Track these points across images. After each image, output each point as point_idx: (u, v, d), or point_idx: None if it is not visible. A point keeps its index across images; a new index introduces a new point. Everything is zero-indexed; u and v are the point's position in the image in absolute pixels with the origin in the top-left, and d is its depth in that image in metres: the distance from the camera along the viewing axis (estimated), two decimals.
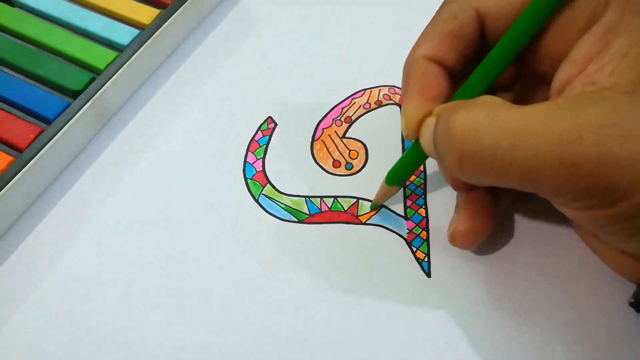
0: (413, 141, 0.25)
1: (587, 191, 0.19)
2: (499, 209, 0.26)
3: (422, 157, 0.25)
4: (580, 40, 0.21)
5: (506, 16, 0.23)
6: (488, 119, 0.20)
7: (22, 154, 0.28)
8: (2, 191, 0.27)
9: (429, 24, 0.24)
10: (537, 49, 0.23)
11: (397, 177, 0.27)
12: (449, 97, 0.24)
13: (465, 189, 0.26)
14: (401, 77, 0.25)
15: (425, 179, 0.29)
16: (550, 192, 0.20)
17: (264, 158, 0.30)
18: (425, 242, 0.27)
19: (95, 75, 0.31)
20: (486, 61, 0.23)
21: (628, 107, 0.19)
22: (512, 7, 0.23)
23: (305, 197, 0.29)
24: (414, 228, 0.28)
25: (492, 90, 0.26)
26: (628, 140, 0.18)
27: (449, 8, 0.24)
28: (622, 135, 0.18)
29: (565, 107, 0.19)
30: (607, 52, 0.20)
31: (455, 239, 0.26)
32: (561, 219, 0.27)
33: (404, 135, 0.24)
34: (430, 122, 0.23)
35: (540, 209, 0.27)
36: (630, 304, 0.24)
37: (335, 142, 0.31)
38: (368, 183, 0.28)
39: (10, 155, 0.28)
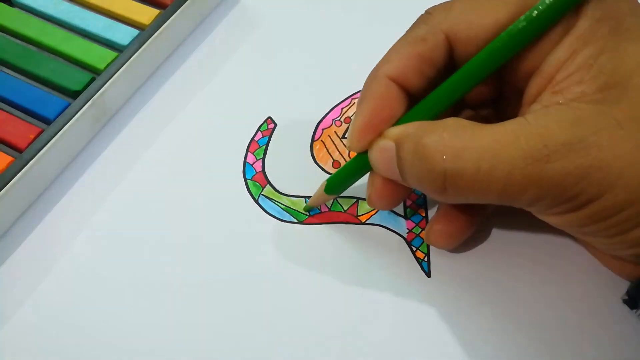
0: (356, 153, 0.25)
1: (557, 200, 0.20)
2: (485, 211, 0.27)
3: (365, 170, 0.25)
4: (552, 52, 0.21)
5: (475, 42, 0.22)
6: (465, 144, 0.21)
7: (22, 154, 0.28)
8: (2, 191, 0.27)
9: (397, 42, 0.24)
10: (514, 66, 0.23)
11: (337, 188, 0.27)
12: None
13: (386, 207, 0.26)
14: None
15: None
16: (525, 204, 0.21)
17: (263, 159, 0.30)
18: (425, 242, 0.27)
19: (95, 76, 0.31)
20: (447, 83, 0.23)
21: (593, 118, 0.20)
22: (483, 33, 0.22)
23: (305, 197, 0.29)
24: (413, 228, 0.28)
25: (464, 106, 0.26)
26: (591, 151, 0.19)
27: (419, 29, 0.23)
28: (586, 148, 0.19)
29: (533, 124, 0.20)
30: (575, 60, 0.21)
31: (429, 237, 0.26)
32: None
33: (347, 147, 0.24)
34: (386, 145, 0.23)
35: None
36: (624, 301, 0.24)
37: (335, 142, 0.31)
38: None
39: (10, 155, 0.28)
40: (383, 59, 0.24)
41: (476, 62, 0.22)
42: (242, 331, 0.25)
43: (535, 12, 0.21)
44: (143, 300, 0.26)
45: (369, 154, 0.24)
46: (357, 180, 0.26)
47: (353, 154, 0.30)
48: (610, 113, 0.20)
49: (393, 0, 0.36)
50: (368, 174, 0.25)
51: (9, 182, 0.27)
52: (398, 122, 0.23)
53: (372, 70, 0.24)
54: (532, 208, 0.22)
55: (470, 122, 0.21)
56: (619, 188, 0.19)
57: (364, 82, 0.24)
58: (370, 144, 0.24)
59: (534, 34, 0.21)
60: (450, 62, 0.24)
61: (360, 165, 0.25)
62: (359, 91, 0.32)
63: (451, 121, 0.22)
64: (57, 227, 0.29)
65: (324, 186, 0.27)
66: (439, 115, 0.23)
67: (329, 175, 0.30)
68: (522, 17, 0.21)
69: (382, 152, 0.23)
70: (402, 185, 0.24)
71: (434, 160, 0.21)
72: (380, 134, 0.23)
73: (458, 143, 0.21)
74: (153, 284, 0.27)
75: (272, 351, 0.25)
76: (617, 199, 0.20)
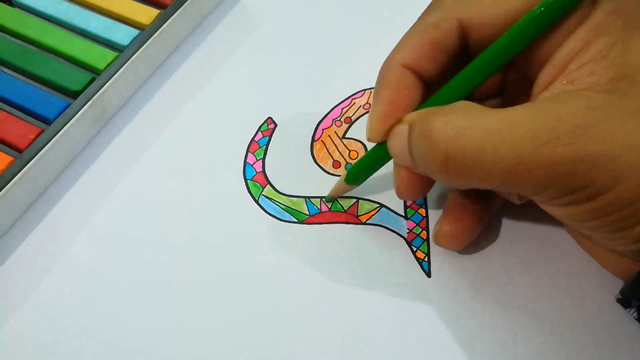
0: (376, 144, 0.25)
1: (565, 188, 0.19)
2: (490, 211, 0.27)
3: (384, 160, 0.25)
4: (566, 41, 0.21)
5: (490, 27, 0.22)
6: (470, 124, 0.20)
7: (22, 154, 0.28)
8: (2, 191, 0.27)
9: (409, 30, 0.24)
10: (527, 54, 0.22)
11: (357, 177, 0.27)
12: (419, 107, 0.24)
13: (413, 197, 0.26)
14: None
15: None
16: (530, 191, 0.20)
17: (264, 159, 0.30)
18: (426, 242, 0.27)
19: (95, 76, 0.31)
20: (465, 71, 0.23)
21: (604, 107, 0.19)
22: (496, 18, 0.22)
23: (305, 197, 0.29)
24: (414, 228, 0.28)
25: (471, 98, 0.25)
26: (603, 138, 0.19)
27: (431, 16, 0.23)
28: (598, 135, 0.19)
29: (543, 108, 0.20)
30: (588, 51, 0.20)
31: (438, 240, 0.26)
32: (558, 220, 0.27)
33: (366, 138, 0.24)
34: (401, 129, 0.23)
35: (538, 209, 0.27)
36: (618, 300, 0.24)
37: (335, 142, 0.31)
38: (368, 183, 0.28)
39: (10, 155, 0.28)
40: (396, 47, 0.24)
41: (496, 47, 0.22)
42: (242, 331, 0.25)
43: None
44: (143, 300, 0.26)
45: (387, 141, 0.24)
46: (377, 170, 0.26)
47: (355, 155, 0.30)
48: (621, 103, 0.19)
49: (393, 0, 0.36)
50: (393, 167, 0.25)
51: (9, 182, 0.27)
52: (417, 109, 0.23)
53: (386, 60, 0.24)
54: (538, 197, 0.21)
55: (479, 105, 0.21)
56: (630, 180, 0.19)
57: (378, 72, 0.24)
58: (389, 131, 0.23)
59: (553, 19, 0.21)
60: (464, 47, 0.23)
61: (379, 154, 0.25)
62: (360, 91, 0.33)
63: (460, 104, 0.21)
64: (57, 227, 0.29)
65: (345, 176, 0.27)
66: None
67: (328, 176, 0.30)
68: (541, 3, 0.21)
69: (396, 138, 0.23)
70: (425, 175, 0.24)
71: (435, 138, 0.20)
72: (398, 121, 0.23)
73: (463, 123, 0.20)
74: (153, 284, 0.27)
75: (272, 351, 0.25)
76: (628, 192, 0.19)
